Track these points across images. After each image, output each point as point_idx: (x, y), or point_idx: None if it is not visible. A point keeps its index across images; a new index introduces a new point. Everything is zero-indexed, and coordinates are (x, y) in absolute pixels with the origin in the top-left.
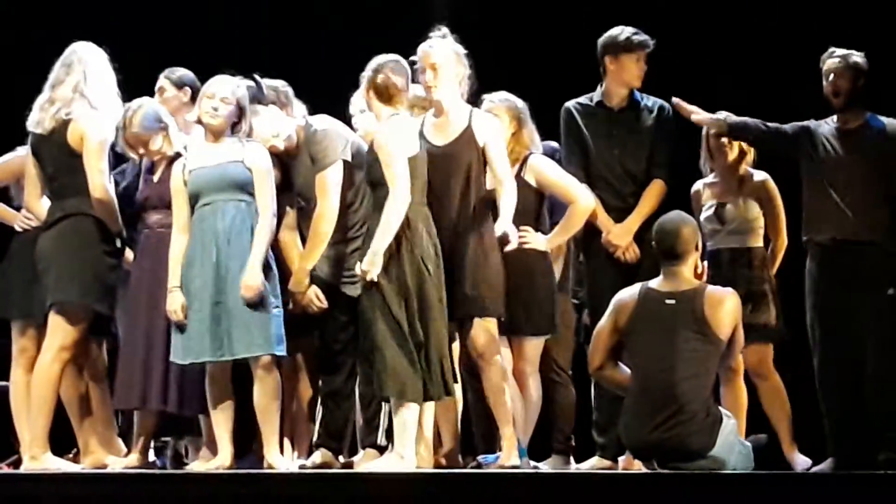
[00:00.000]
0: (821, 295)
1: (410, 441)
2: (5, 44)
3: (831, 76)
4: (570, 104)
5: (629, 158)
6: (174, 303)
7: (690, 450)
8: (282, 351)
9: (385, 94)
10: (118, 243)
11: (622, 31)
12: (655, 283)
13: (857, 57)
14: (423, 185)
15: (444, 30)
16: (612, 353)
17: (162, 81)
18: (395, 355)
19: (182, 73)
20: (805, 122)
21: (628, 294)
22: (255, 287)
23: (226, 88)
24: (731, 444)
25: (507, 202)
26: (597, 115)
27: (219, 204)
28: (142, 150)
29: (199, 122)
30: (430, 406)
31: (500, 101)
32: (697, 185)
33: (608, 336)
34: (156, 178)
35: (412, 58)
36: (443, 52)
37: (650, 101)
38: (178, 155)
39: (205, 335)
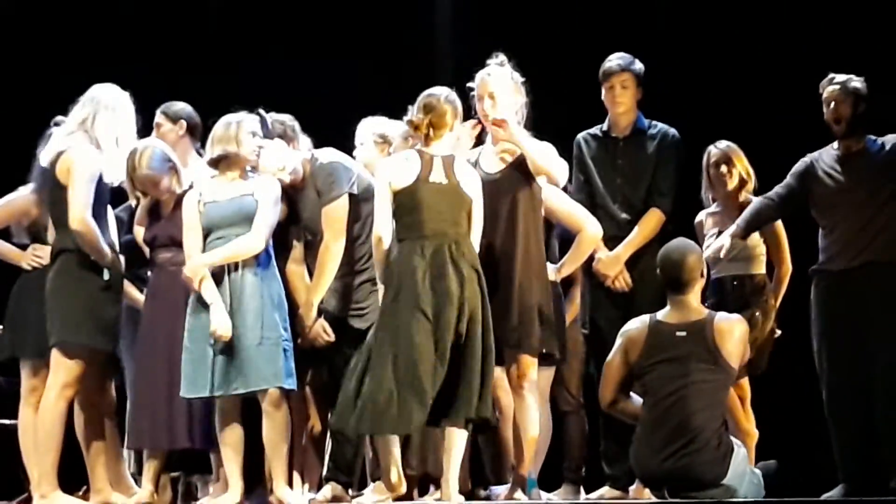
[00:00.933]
0: (830, 321)
1: (388, 471)
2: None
3: (832, 104)
4: (581, 135)
5: (630, 187)
6: (224, 323)
7: (702, 479)
8: (291, 385)
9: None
10: (108, 276)
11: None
12: (663, 314)
13: (857, 82)
14: (421, 218)
15: (502, 57)
16: (623, 387)
17: (158, 117)
18: (364, 390)
19: (178, 107)
20: (804, 160)
21: (636, 327)
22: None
23: (256, 125)
24: (743, 473)
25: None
26: (603, 145)
27: (232, 238)
28: (152, 191)
29: (217, 161)
30: (459, 434)
31: None
32: (700, 216)
33: (618, 370)
34: (163, 216)
35: (469, 84)
36: (501, 80)
37: (656, 128)
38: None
39: (215, 369)
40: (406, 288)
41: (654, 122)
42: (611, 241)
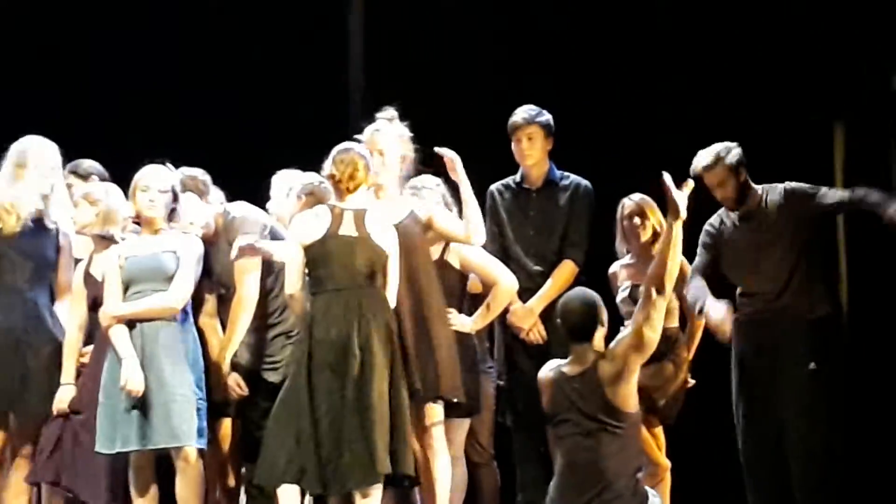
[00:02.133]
0: (742, 372)
1: None
2: None
3: (716, 187)
4: (494, 187)
5: (543, 238)
6: (137, 377)
7: None
8: (203, 444)
9: None
10: None
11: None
12: (566, 364)
13: (729, 155)
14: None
15: (391, 111)
16: None
17: (68, 178)
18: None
19: (87, 164)
20: (706, 228)
21: (545, 375)
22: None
23: (160, 179)
24: None
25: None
26: (515, 196)
27: (149, 293)
28: None
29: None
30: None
31: (428, 186)
32: (614, 267)
33: None
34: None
35: (357, 137)
36: (389, 136)
37: (568, 179)
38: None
39: (128, 424)
40: (313, 343)
41: (566, 174)
42: (524, 292)
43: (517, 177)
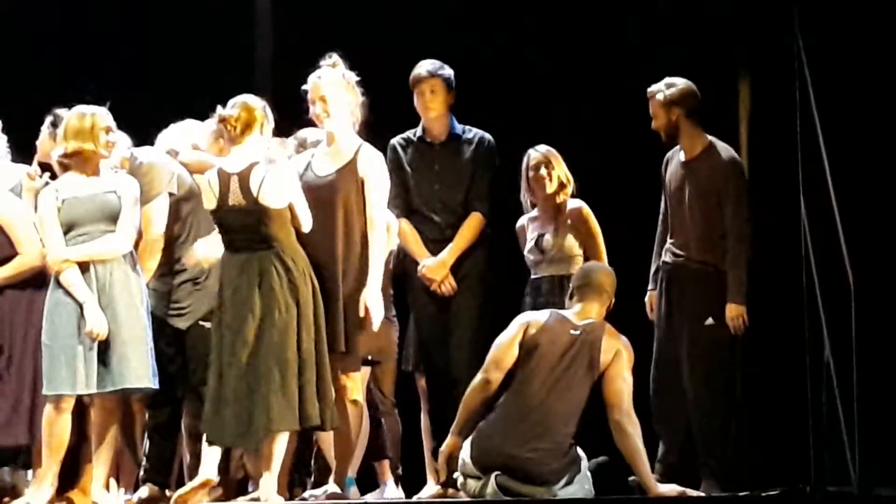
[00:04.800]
0: (659, 315)
1: (203, 471)
2: None
3: (653, 116)
4: (395, 140)
5: (448, 192)
6: (101, 321)
7: (538, 476)
8: (156, 384)
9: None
10: None
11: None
12: (568, 312)
13: (671, 90)
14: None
15: (335, 57)
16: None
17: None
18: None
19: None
20: (663, 166)
21: (537, 314)
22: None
23: (111, 119)
24: (579, 490)
25: (376, 251)
26: (418, 150)
27: (96, 235)
28: None
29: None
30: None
31: (316, 138)
32: (522, 221)
33: (511, 350)
34: None
35: (304, 87)
36: (332, 81)
37: (471, 133)
38: None
39: (85, 367)
40: (220, 302)
41: (468, 128)
42: (431, 243)
43: (418, 130)
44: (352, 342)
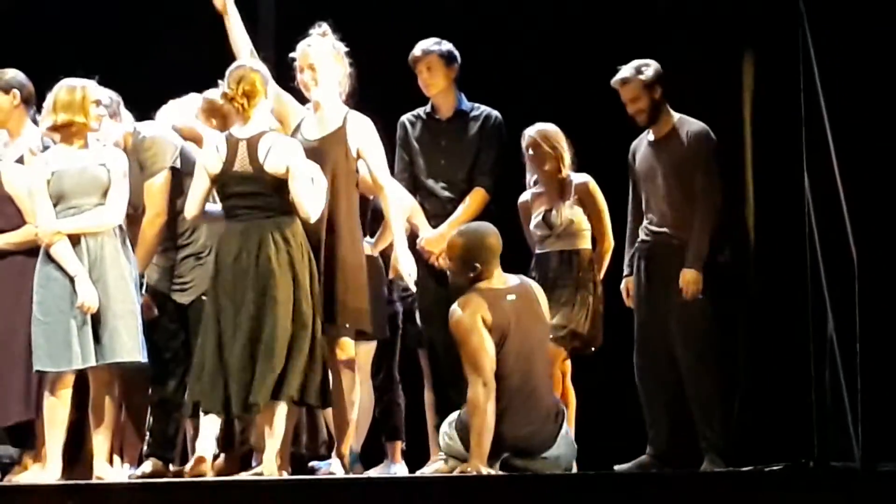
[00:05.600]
0: (638, 296)
1: (201, 449)
2: None
3: (629, 102)
4: (405, 117)
5: (452, 167)
6: (92, 295)
7: (545, 444)
8: (145, 358)
9: None
10: None
11: None
12: (487, 283)
13: (647, 72)
14: (230, 204)
15: (325, 27)
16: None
17: None
18: (198, 367)
19: (10, 74)
20: (630, 150)
21: (473, 298)
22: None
23: (102, 93)
24: (569, 443)
25: (394, 211)
26: (426, 126)
27: (86, 208)
28: None
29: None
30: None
31: None
32: (525, 196)
33: (489, 347)
34: None
35: (291, 55)
36: (322, 50)
37: (478, 110)
38: None
39: (79, 341)
40: (217, 270)
41: (476, 105)
42: (435, 219)
43: (427, 108)
44: (342, 306)
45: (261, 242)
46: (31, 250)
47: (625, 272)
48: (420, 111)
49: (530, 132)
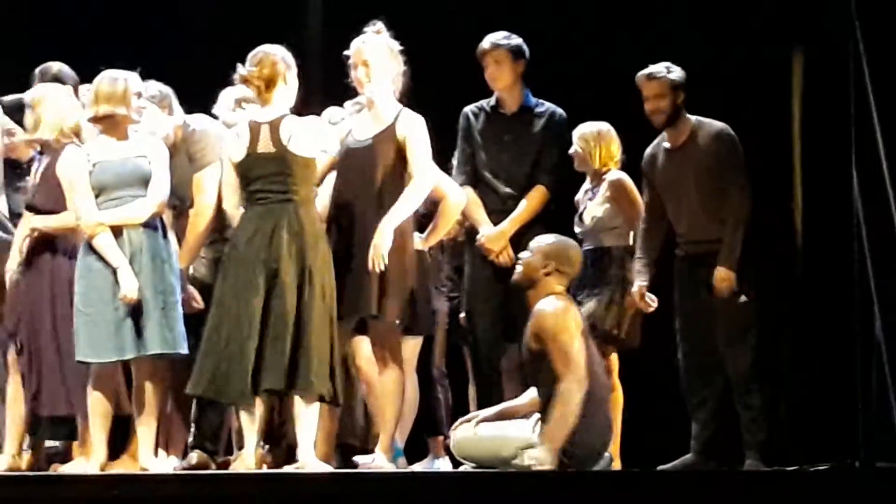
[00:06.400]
0: (681, 303)
1: (250, 441)
2: None
3: (651, 98)
4: (468, 108)
5: (516, 163)
6: (134, 286)
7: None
8: (186, 349)
9: None
10: None
11: None
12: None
13: (675, 73)
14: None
15: (379, 24)
16: None
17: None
18: (206, 355)
19: (57, 67)
20: (644, 157)
21: (570, 307)
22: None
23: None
24: None
25: (402, 199)
26: (490, 120)
27: (127, 200)
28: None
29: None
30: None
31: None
32: (578, 195)
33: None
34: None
35: (345, 52)
36: (376, 48)
37: (543, 106)
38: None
39: (122, 333)
40: (233, 257)
41: (541, 101)
42: (494, 215)
43: (492, 101)
44: (384, 306)
45: (275, 227)
46: (61, 246)
47: (639, 280)
48: (484, 103)
49: (586, 128)
